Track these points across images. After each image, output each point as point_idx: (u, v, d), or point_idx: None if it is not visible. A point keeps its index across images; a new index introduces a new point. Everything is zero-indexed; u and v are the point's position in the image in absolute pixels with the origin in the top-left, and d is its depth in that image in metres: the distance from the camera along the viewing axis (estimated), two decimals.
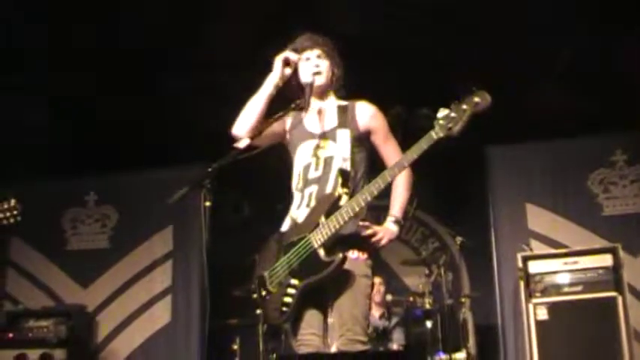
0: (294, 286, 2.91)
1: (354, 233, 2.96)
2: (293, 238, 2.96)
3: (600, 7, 5.23)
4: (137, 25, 5.41)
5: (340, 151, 3.03)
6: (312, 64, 3.12)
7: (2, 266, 7.29)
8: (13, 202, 4.03)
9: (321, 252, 2.87)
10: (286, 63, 3.09)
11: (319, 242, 2.87)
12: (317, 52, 3.14)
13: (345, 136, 3.05)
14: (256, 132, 3.04)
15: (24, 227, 6.02)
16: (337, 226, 2.85)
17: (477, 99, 2.74)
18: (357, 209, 2.85)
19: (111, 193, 7.44)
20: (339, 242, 2.90)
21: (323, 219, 2.88)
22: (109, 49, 5.63)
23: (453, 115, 2.74)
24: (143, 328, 6.93)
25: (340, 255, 2.84)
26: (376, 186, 2.85)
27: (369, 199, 2.87)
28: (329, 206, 2.90)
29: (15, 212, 4.03)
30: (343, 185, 2.96)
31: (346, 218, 2.85)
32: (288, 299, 2.92)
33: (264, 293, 2.99)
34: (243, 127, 3.07)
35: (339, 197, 2.91)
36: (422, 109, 6.24)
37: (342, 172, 2.99)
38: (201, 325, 6.63)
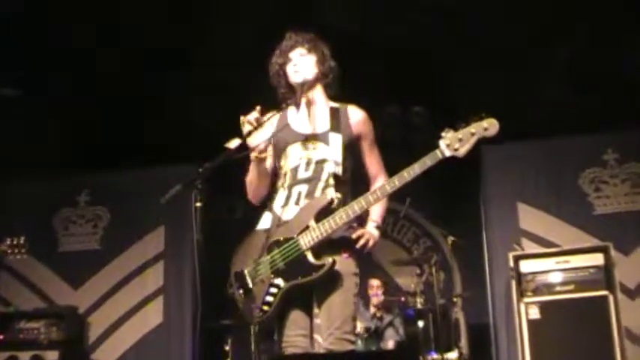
0: (277, 286, 2.88)
1: (343, 237, 2.95)
2: (278, 237, 2.93)
3: (600, 7, 5.25)
4: (137, 24, 5.40)
5: (333, 155, 3.01)
6: (292, 64, 3.08)
7: None
8: (22, 239, 4.31)
9: (309, 255, 2.86)
10: (253, 124, 2.90)
11: (308, 245, 2.86)
12: (299, 50, 3.10)
13: (337, 140, 3.02)
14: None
15: (15, 228, 6.02)
16: (329, 231, 2.84)
17: (485, 125, 2.74)
18: (352, 216, 2.85)
19: (102, 193, 7.40)
20: (329, 246, 2.89)
21: (313, 222, 2.87)
22: (107, 48, 5.61)
23: (459, 136, 2.74)
24: (135, 329, 6.90)
25: (330, 259, 2.84)
26: (374, 196, 2.85)
27: (365, 207, 2.87)
28: (319, 209, 2.89)
29: (23, 250, 4.24)
30: (337, 190, 2.96)
31: (340, 224, 2.84)
32: (270, 298, 2.89)
33: (241, 291, 2.94)
34: (256, 197, 3.14)
35: (332, 201, 2.90)
36: (416, 107, 6.28)
37: (336, 177, 2.99)
38: (194, 325, 6.60)
